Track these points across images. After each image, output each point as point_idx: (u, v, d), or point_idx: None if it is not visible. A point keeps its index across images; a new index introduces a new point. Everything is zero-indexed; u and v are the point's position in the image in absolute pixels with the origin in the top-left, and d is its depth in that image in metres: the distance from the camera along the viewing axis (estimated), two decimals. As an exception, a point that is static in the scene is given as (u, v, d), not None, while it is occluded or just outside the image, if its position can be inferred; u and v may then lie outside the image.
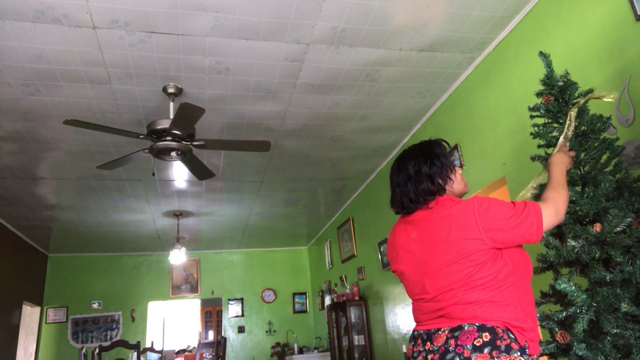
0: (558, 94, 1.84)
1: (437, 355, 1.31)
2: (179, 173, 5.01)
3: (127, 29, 2.77)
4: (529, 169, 2.74)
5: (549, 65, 1.87)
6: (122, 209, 5.95)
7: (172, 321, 11.21)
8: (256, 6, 2.66)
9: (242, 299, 8.43)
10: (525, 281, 1.44)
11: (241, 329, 8.30)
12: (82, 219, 6.21)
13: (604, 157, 1.76)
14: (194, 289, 8.34)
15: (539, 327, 1.34)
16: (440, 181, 1.53)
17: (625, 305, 1.47)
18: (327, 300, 6.84)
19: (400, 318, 4.89)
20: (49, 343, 7.52)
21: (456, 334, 1.30)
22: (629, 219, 1.56)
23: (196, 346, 7.62)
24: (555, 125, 1.83)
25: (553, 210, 1.43)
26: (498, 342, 1.26)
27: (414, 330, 1.48)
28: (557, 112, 1.82)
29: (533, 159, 1.88)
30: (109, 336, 7.74)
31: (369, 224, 5.72)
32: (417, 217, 1.51)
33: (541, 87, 1.90)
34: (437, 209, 1.47)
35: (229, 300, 8.41)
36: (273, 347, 8.16)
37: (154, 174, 4.84)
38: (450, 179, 1.57)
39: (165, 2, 2.58)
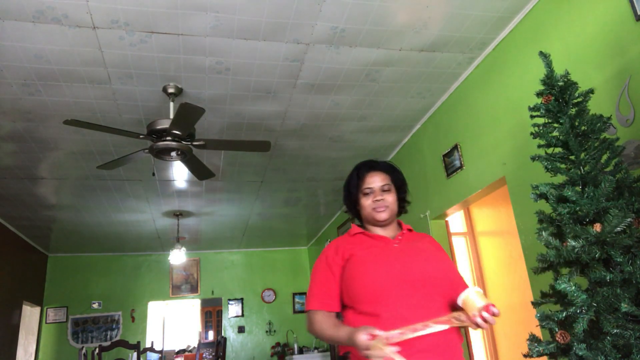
0: (558, 94, 1.84)
1: None
2: (179, 173, 5.01)
3: (127, 29, 2.77)
4: (529, 169, 2.74)
5: (549, 65, 1.87)
6: (122, 209, 5.95)
7: (172, 321, 11.21)
8: (256, 6, 2.66)
9: (242, 299, 8.43)
10: None
11: (241, 329, 8.29)
12: (82, 219, 6.21)
13: (604, 157, 1.76)
14: (194, 289, 8.33)
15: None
16: (346, 210, 1.74)
17: (625, 305, 1.47)
18: (327, 300, 6.82)
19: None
20: (49, 343, 7.52)
21: None
22: (629, 219, 1.56)
23: (196, 346, 7.61)
24: (556, 125, 1.83)
25: (314, 327, 1.51)
26: None
27: None
28: (557, 112, 1.82)
29: (533, 159, 1.88)
30: (109, 336, 7.74)
31: (369, 224, 5.71)
32: None
33: (541, 87, 1.90)
34: None
35: (229, 300, 8.41)
36: (273, 347, 8.16)
37: (154, 174, 4.84)
38: (355, 207, 1.67)
39: (165, 2, 2.58)
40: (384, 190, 1.62)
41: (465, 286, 1.45)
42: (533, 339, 1.75)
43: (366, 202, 1.62)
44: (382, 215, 1.59)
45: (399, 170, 1.71)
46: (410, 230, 1.66)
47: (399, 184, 1.68)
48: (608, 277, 1.54)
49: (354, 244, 1.59)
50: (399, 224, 1.69)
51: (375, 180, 1.62)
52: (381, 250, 1.54)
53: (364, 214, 1.64)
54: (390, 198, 1.61)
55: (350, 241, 1.61)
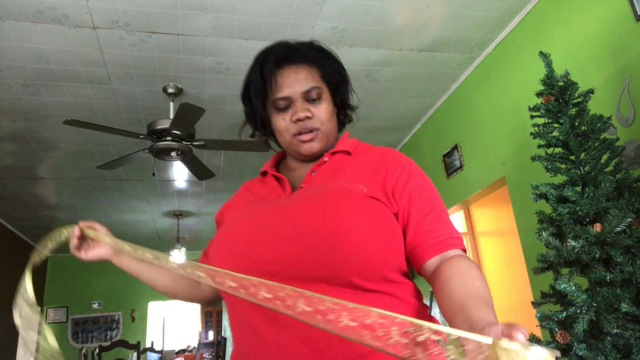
0: (558, 94, 1.84)
1: None
2: (179, 173, 5.01)
3: (127, 29, 2.77)
4: (529, 169, 2.74)
5: (549, 65, 1.87)
6: (122, 209, 5.95)
7: (172, 321, 11.21)
8: (256, 6, 2.66)
9: (242, 299, 8.43)
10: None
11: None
12: (82, 219, 6.19)
13: (604, 157, 1.76)
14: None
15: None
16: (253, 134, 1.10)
17: (625, 305, 1.47)
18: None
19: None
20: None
21: None
22: (629, 219, 1.56)
23: (196, 346, 7.61)
24: (556, 125, 1.83)
25: None
26: None
27: None
28: (557, 112, 1.82)
29: (533, 159, 1.88)
30: (109, 336, 7.74)
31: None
32: None
33: (541, 87, 1.90)
34: None
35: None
36: (273, 347, 8.15)
37: (154, 174, 4.84)
38: (261, 130, 1.05)
39: (165, 2, 2.58)
40: (309, 99, 0.94)
41: (427, 253, 0.83)
42: (533, 339, 1.75)
43: (281, 124, 0.96)
44: (313, 146, 0.95)
45: (333, 55, 1.01)
46: (347, 152, 0.96)
47: (336, 81, 0.99)
48: (608, 277, 1.54)
49: (245, 196, 1.01)
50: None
51: (293, 82, 0.94)
52: (257, 210, 0.89)
53: (282, 143, 1.00)
54: (323, 110, 0.95)
55: (247, 189, 1.04)
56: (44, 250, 1.14)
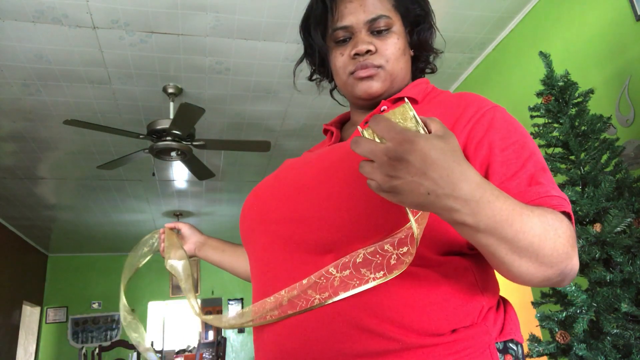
0: (558, 94, 1.84)
1: None
2: (179, 173, 5.01)
3: (127, 29, 2.76)
4: (529, 169, 2.74)
5: (549, 65, 1.87)
6: (122, 209, 5.95)
7: (172, 321, 11.21)
8: (256, 6, 2.65)
9: (242, 299, 8.43)
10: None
11: (241, 329, 8.30)
12: (82, 219, 6.21)
13: (604, 157, 1.76)
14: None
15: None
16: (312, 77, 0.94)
17: (625, 305, 1.47)
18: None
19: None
20: (49, 343, 7.52)
21: None
22: (629, 219, 1.56)
23: (196, 346, 7.61)
24: (556, 125, 1.83)
25: None
26: None
27: None
28: (557, 112, 1.82)
29: (533, 159, 1.88)
30: (108, 336, 7.74)
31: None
32: None
33: (541, 87, 1.90)
34: None
35: (229, 300, 8.41)
36: (273, 347, 8.16)
37: (154, 174, 4.84)
38: (319, 71, 0.91)
39: (165, 2, 2.58)
40: (375, 32, 0.78)
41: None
42: (533, 339, 1.75)
43: (338, 60, 0.80)
44: (371, 85, 0.77)
45: None
46: (414, 100, 0.78)
47: (414, 15, 0.82)
48: (608, 277, 1.54)
49: (303, 155, 0.84)
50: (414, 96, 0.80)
51: (357, 9, 0.77)
52: (286, 164, 0.80)
53: (339, 85, 0.84)
54: (391, 46, 0.77)
55: (312, 149, 0.90)
56: (140, 259, 1.16)
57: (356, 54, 0.76)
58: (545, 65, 1.88)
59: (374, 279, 0.56)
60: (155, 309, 9.85)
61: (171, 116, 3.37)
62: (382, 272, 0.56)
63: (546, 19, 2.73)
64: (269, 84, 3.45)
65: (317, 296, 0.59)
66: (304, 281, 0.61)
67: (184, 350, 8.39)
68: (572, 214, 0.63)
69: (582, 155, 1.76)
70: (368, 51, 0.76)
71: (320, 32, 0.80)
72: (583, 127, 1.78)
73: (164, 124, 3.19)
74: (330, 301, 0.58)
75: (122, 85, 3.32)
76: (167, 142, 3.25)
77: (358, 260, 0.58)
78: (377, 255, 0.57)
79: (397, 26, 0.79)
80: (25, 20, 2.62)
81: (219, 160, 4.72)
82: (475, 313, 0.63)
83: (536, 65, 2.65)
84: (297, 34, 2.90)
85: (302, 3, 2.65)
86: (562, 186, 1.77)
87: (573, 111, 1.82)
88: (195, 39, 2.90)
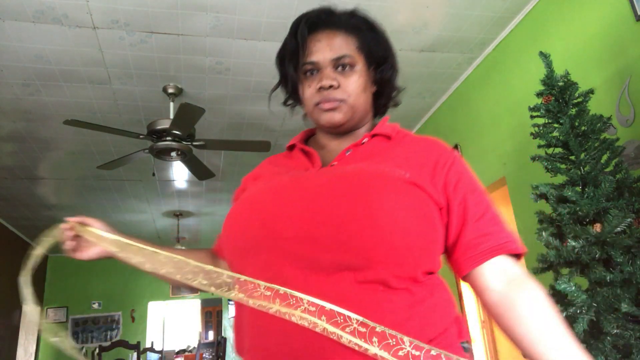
0: (558, 94, 1.84)
1: None
2: (179, 173, 5.01)
3: (127, 29, 2.76)
4: (529, 169, 2.74)
5: (549, 65, 1.87)
6: (122, 209, 5.95)
7: (172, 321, 11.21)
8: (256, 6, 2.65)
9: (242, 299, 8.43)
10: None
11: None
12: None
13: (604, 157, 1.76)
14: (193, 289, 8.33)
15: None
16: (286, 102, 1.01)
17: (625, 306, 1.47)
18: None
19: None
20: (49, 343, 7.52)
21: None
22: (629, 219, 1.56)
23: (196, 346, 7.61)
24: (556, 125, 1.83)
25: None
26: None
27: None
28: (557, 112, 1.82)
29: (533, 159, 1.88)
30: (109, 336, 7.74)
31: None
32: None
33: (541, 87, 1.90)
34: None
35: (229, 300, 8.41)
36: (273, 347, 8.15)
37: (154, 174, 4.84)
38: (290, 99, 0.98)
39: (165, 2, 2.58)
40: (339, 67, 0.86)
41: (484, 255, 0.77)
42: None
43: (306, 91, 0.88)
44: (333, 116, 0.86)
45: (377, 27, 0.93)
46: (387, 137, 0.88)
47: (377, 55, 0.91)
48: (608, 277, 1.54)
49: (270, 169, 0.92)
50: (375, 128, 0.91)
51: (324, 48, 0.86)
52: (280, 180, 0.83)
53: (306, 112, 0.92)
54: (352, 82, 0.86)
55: (273, 162, 0.96)
56: (36, 257, 1.02)
57: (321, 87, 0.85)
58: (545, 65, 1.88)
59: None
60: (155, 309, 9.85)
61: (171, 116, 3.37)
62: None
63: (546, 19, 2.73)
64: (269, 84, 3.44)
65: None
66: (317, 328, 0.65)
67: (184, 350, 8.39)
68: (520, 250, 0.81)
69: (582, 155, 1.76)
70: (331, 86, 0.85)
71: (292, 64, 0.89)
72: (583, 127, 1.78)
73: (164, 124, 3.19)
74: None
75: (122, 85, 3.32)
76: (167, 142, 3.25)
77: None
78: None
79: (360, 65, 0.88)
80: (25, 20, 2.62)
81: (219, 160, 4.72)
82: (450, 320, 0.73)
83: (536, 65, 2.65)
84: (297, 34, 2.90)
85: (302, 3, 2.66)
86: (562, 186, 1.77)
87: (573, 111, 1.82)
88: (195, 39, 2.90)
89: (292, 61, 0.89)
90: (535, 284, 0.76)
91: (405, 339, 0.61)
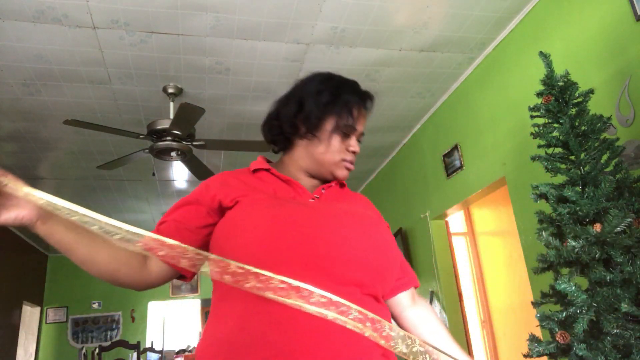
0: (558, 94, 1.84)
1: None
2: (179, 173, 5.01)
3: (127, 29, 2.77)
4: (529, 169, 2.74)
5: (549, 65, 1.87)
6: (122, 209, 5.95)
7: (172, 321, 11.21)
8: (256, 6, 2.66)
9: (242, 299, 8.44)
10: None
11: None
12: (82, 219, 6.20)
13: (604, 157, 1.76)
14: (194, 289, 8.34)
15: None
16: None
17: (626, 306, 1.47)
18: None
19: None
20: (49, 343, 7.52)
21: None
22: (629, 219, 1.56)
23: (196, 346, 7.61)
24: (556, 125, 1.83)
25: None
26: None
27: None
28: (557, 112, 1.82)
29: (533, 159, 1.88)
30: (109, 336, 7.74)
31: (369, 224, 5.71)
32: None
33: (541, 87, 1.90)
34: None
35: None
36: (273, 347, 8.15)
37: (154, 174, 4.84)
38: (312, 133, 1.03)
39: (165, 2, 2.58)
40: (360, 139, 1.09)
41: (411, 283, 1.10)
42: (533, 339, 1.75)
43: (338, 146, 1.03)
44: (346, 175, 1.08)
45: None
46: (343, 185, 1.10)
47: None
48: (608, 277, 1.54)
49: (250, 184, 0.99)
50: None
51: (362, 123, 1.08)
52: (288, 202, 0.94)
53: (322, 158, 1.03)
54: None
55: (245, 180, 1.01)
56: None
57: (354, 152, 1.06)
58: (545, 65, 1.88)
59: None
60: (155, 309, 9.85)
61: (171, 116, 3.37)
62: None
63: (546, 19, 2.73)
64: (269, 84, 3.45)
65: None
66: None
67: (184, 350, 8.38)
68: (418, 284, 1.13)
69: (582, 155, 1.76)
70: (356, 151, 1.07)
71: (322, 113, 1.03)
72: (583, 127, 1.78)
73: (164, 124, 3.19)
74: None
75: (122, 85, 3.32)
76: (167, 142, 3.25)
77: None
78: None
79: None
80: (25, 20, 2.62)
81: (219, 160, 4.72)
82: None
83: (536, 65, 2.65)
84: (297, 34, 2.90)
85: (302, 3, 2.66)
86: (562, 186, 1.77)
87: (573, 111, 1.82)
88: (195, 39, 2.90)
89: (330, 112, 1.03)
90: (426, 302, 1.14)
91: (386, 324, 0.85)
